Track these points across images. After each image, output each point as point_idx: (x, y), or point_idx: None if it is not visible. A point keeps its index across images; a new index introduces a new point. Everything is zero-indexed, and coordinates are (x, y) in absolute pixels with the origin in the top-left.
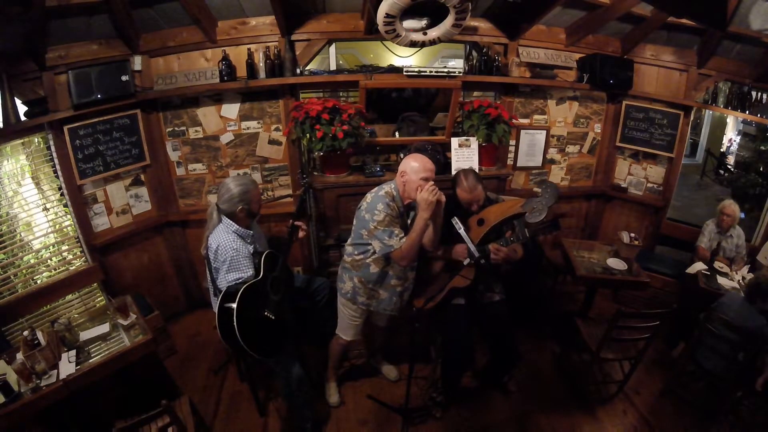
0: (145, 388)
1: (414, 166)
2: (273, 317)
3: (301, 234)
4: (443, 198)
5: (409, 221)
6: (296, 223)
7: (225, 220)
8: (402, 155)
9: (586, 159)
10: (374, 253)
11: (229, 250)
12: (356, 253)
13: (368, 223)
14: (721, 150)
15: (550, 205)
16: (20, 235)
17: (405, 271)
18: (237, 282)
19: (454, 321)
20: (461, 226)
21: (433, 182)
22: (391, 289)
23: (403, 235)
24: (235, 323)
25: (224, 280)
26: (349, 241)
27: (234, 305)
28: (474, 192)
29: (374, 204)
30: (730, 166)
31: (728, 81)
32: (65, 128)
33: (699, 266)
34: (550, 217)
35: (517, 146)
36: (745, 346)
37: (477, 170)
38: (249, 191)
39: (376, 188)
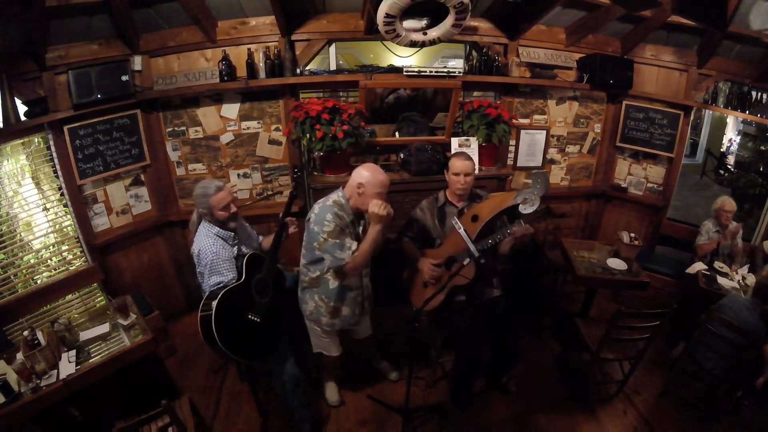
0: (145, 388)
1: (372, 180)
2: (259, 320)
3: (292, 230)
4: (392, 212)
5: (360, 230)
6: (286, 219)
7: (204, 221)
8: (402, 155)
9: (586, 159)
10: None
11: (209, 254)
12: (311, 270)
13: (318, 235)
14: (721, 150)
15: (541, 194)
16: (20, 235)
17: (360, 278)
18: (218, 286)
19: (456, 318)
20: (461, 226)
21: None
22: (352, 301)
23: (354, 247)
24: (213, 328)
25: (207, 285)
26: (302, 260)
27: (212, 311)
28: (466, 162)
29: (322, 215)
30: (730, 166)
31: (728, 81)
32: (65, 128)
33: (699, 266)
34: (543, 206)
35: (517, 146)
36: (745, 346)
37: (477, 170)
38: (207, 195)
39: (322, 198)
